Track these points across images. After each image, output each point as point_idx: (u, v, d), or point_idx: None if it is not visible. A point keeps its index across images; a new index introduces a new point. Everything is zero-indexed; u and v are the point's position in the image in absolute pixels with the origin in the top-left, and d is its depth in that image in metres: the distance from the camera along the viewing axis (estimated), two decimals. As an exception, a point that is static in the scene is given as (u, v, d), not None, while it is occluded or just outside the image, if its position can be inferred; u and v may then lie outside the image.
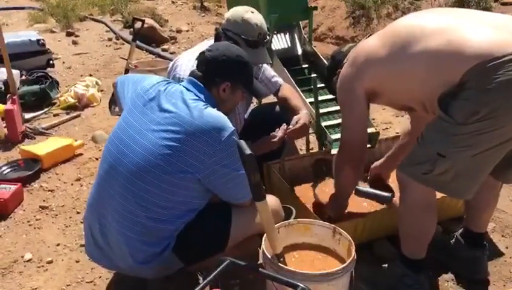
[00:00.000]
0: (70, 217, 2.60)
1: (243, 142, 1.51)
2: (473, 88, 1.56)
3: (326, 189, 2.43)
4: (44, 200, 2.76)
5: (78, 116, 3.96)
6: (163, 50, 5.95)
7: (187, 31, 6.95)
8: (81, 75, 4.95)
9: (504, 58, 1.52)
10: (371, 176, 2.48)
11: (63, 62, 5.44)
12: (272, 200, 1.86)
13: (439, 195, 1.88)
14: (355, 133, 1.99)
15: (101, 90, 4.43)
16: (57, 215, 2.64)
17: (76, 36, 6.60)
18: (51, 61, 5.08)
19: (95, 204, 1.83)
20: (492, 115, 1.55)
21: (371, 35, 2.00)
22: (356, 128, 1.98)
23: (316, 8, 3.41)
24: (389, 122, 3.70)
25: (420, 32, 1.71)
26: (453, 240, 2.14)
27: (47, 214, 2.64)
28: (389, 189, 2.38)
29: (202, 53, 1.85)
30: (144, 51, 5.80)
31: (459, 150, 1.62)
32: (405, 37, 1.75)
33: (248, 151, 1.45)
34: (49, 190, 2.87)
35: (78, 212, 2.63)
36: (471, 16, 1.78)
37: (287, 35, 3.41)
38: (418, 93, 1.78)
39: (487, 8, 6.03)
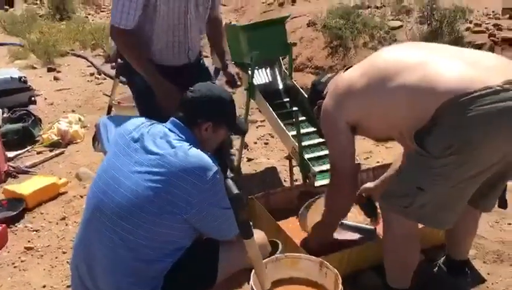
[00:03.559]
0: (56, 258, 2.59)
1: (229, 181, 1.56)
2: (446, 122, 1.63)
3: (312, 221, 2.47)
4: (29, 241, 2.74)
5: (62, 153, 3.96)
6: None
7: (169, 64, 7.03)
8: (64, 112, 4.96)
9: (475, 93, 1.59)
10: (359, 196, 2.51)
11: (45, 98, 5.45)
12: (258, 235, 1.88)
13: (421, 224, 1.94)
14: (343, 162, 2.02)
15: (84, 127, 4.44)
16: (42, 255, 2.62)
17: (58, 72, 6.63)
18: (33, 98, 5.08)
19: (81, 246, 1.83)
20: (465, 148, 1.62)
21: (350, 67, 2.07)
22: (344, 157, 2.01)
23: (295, 44, 3.51)
24: (369, 151, 3.78)
25: (397, 66, 1.78)
26: (436, 268, 2.19)
27: (32, 255, 2.62)
28: (376, 210, 2.41)
29: (184, 94, 1.90)
30: (127, 86, 5.84)
31: (437, 182, 1.69)
32: (382, 71, 1.81)
33: (235, 190, 1.49)
34: (34, 230, 2.85)
35: (64, 252, 2.62)
36: (446, 51, 1.87)
37: (268, 70, 3.50)
38: (396, 125, 1.84)
39: (459, 37, 6.25)
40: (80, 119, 4.49)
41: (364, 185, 2.46)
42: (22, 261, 2.56)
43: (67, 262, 2.43)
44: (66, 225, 2.91)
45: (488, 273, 2.32)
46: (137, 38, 2.42)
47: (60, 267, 2.50)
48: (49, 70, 6.70)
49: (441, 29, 6.46)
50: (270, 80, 3.48)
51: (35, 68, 6.90)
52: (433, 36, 6.36)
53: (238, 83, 2.91)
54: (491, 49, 5.96)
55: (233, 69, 2.85)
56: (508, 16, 6.97)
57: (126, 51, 2.46)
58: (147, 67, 2.41)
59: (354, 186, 2.08)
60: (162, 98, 2.38)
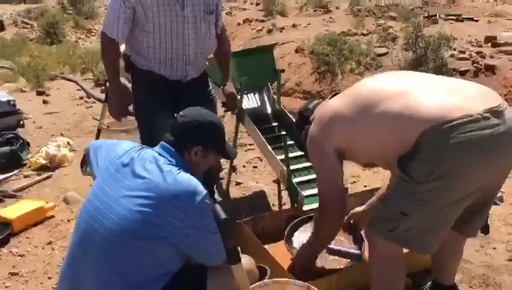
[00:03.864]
0: (41, 283, 2.55)
1: (218, 206, 1.57)
2: (427, 149, 1.67)
3: (298, 244, 2.48)
4: (14, 266, 2.70)
5: (50, 177, 3.94)
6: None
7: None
8: (53, 135, 4.95)
9: (456, 121, 1.64)
10: (347, 221, 2.52)
11: (34, 122, 5.43)
12: (246, 260, 1.89)
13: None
14: (331, 186, 2.04)
15: (73, 150, 4.43)
16: (27, 281, 2.58)
17: (47, 95, 6.63)
18: (21, 122, 5.07)
19: (69, 271, 1.82)
20: (447, 174, 1.66)
21: (336, 93, 2.12)
22: (331, 181, 2.03)
23: (283, 70, 3.58)
24: (357, 175, 3.82)
25: (379, 94, 1.83)
26: (423, 292, 2.21)
27: (17, 280, 2.58)
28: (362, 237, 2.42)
29: (174, 118, 1.92)
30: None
31: (420, 207, 1.72)
32: (366, 99, 1.86)
33: (223, 215, 1.50)
34: (19, 255, 2.82)
35: (49, 278, 2.58)
36: (428, 80, 1.92)
37: (257, 95, 3.56)
38: (380, 152, 1.88)
39: (444, 64, 6.40)
40: (68, 143, 4.48)
41: (353, 211, 2.49)
42: (6, 287, 2.52)
43: (53, 288, 2.40)
44: (53, 249, 2.88)
45: (474, 298, 2.34)
46: (118, 48, 2.59)
47: (47, 292, 2.47)
48: (38, 93, 6.70)
49: (426, 56, 6.61)
50: (259, 104, 3.53)
51: (24, 91, 6.90)
52: (418, 63, 6.51)
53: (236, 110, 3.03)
54: (475, 76, 6.11)
55: (235, 98, 2.93)
56: (490, 44, 7.17)
57: (104, 55, 2.65)
58: (111, 82, 2.66)
59: (343, 211, 2.10)
60: (110, 109, 2.75)
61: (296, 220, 2.52)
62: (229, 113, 3.37)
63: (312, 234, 2.23)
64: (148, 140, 2.76)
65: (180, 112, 1.95)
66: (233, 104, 2.98)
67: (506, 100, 1.86)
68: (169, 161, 1.79)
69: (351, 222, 2.46)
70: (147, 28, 2.48)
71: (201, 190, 1.72)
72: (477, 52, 6.74)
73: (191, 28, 2.50)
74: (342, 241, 2.45)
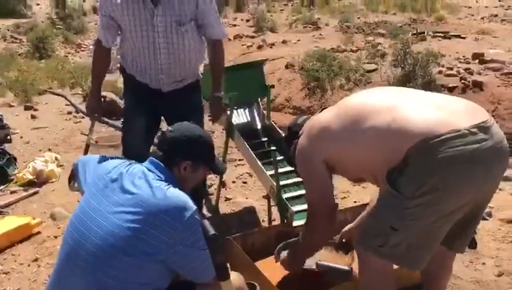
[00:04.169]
0: (27, 301, 2.51)
1: (206, 222, 1.56)
2: (416, 164, 1.68)
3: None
4: (-2, 284, 2.66)
5: (37, 192, 3.89)
6: (124, 123, 6.00)
7: (148, 103, 7.06)
8: (40, 150, 4.90)
9: (444, 136, 1.65)
10: (340, 240, 2.52)
11: (21, 137, 5.38)
12: (235, 277, 1.87)
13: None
14: (320, 200, 2.04)
15: (61, 166, 4.38)
16: (13, 299, 2.53)
17: (35, 110, 6.57)
18: (9, 137, 5.02)
19: (55, 289, 1.79)
20: (435, 189, 1.66)
21: (325, 108, 2.12)
22: (320, 195, 2.03)
23: (273, 86, 3.59)
24: (347, 191, 3.81)
25: (368, 109, 1.84)
26: (413, 309, 2.19)
27: (1, 298, 2.54)
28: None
29: (163, 133, 1.92)
30: (104, 125, 5.82)
31: (409, 222, 1.72)
32: (354, 114, 1.87)
33: (212, 231, 1.49)
34: (4, 273, 2.77)
35: (35, 296, 2.54)
36: (416, 95, 1.94)
37: (247, 111, 3.56)
38: (368, 167, 1.88)
39: (432, 80, 6.47)
40: (56, 158, 4.44)
41: (344, 229, 2.48)
42: (-10, 305, 2.47)
43: (38, 306, 2.36)
44: (39, 266, 2.83)
45: (464, 314, 2.33)
46: (107, 54, 2.72)
47: (30, 311, 2.41)
48: (26, 108, 6.64)
49: (414, 72, 6.69)
50: (249, 119, 3.53)
51: (12, 106, 6.84)
52: (406, 79, 6.58)
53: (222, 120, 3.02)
54: (463, 92, 6.18)
55: (219, 104, 2.85)
56: (477, 60, 7.27)
57: (92, 59, 2.82)
58: (92, 81, 2.82)
59: (331, 224, 2.09)
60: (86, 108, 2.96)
61: (289, 241, 2.51)
62: (221, 128, 3.36)
63: (298, 244, 2.22)
64: (124, 143, 2.80)
65: (169, 127, 1.95)
66: (216, 110, 2.86)
67: (493, 116, 1.88)
68: (159, 176, 1.78)
69: (344, 240, 2.46)
70: (124, 35, 2.59)
71: (191, 205, 1.71)
72: (465, 69, 6.83)
73: (162, 38, 2.51)
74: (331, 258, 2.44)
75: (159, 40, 2.51)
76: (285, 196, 2.84)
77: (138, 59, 2.60)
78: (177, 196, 1.73)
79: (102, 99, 4.25)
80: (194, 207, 1.72)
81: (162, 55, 2.54)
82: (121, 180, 1.77)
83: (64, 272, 1.74)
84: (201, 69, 2.95)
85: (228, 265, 1.64)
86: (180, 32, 2.52)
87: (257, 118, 3.54)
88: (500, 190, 3.45)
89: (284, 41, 11.18)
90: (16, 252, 2.98)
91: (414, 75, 6.66)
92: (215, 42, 2.73)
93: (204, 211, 3.47)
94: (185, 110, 2.60)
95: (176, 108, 2.61)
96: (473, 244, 2.03)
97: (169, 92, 2.67)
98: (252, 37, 12.88)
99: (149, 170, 1.81)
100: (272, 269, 2.44)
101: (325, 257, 2.40)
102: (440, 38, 10.30)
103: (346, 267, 2.31)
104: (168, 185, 1.75)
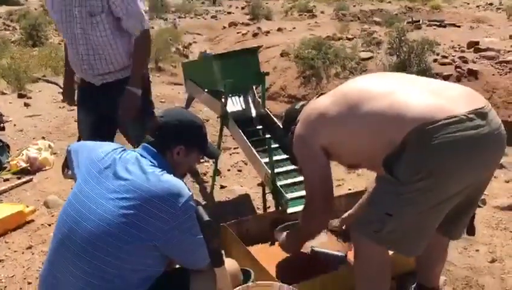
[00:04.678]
0: (20, 289, 2.49)
1: (201, 209, 1.55)
2: (412, 150, 1.68)
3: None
4: (-8, 272, 2.65)
5: (30, 180, 3.86)
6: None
7: (142, 91, 7.01)
8: (34, 138, 4.86)
9: (441, 122, 1.65)
10: (339, 228, 2.52)
11: (15, 125, 5.33)
12: (230, 263, 1.87)
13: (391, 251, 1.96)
14: (317, 185, 2.04)
15: (54, 153, 4.36)
16: (6, 287, 2.52)
17: (29, 98, 6.52)
18: (2, 125, 4.98)
19: (49, 276, 1.77)
20: (432, 174, 1.66)
21: (322, 94, 2.11)
22: (318, 180, 2.04)
23: (268, 73, 3.57)
24: (341, 178, 3.82)
25: (366, 95, 1.83)
26: (407, 295, 2.21)
27: (-5, 286, 2.53)
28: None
29: (155, 118, 1.90)
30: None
31: (405, 208, 1.72)
32: (353, 99, 1.86)
33: (206, 217, 1.49)
34: (-3, 260, 2.76)
35: (29, 283, 2.53)
36: (413, 81, 1.93)
37: (241, 98, 3.53)
38: (366, 153, 1.88)
39: (427, 69, 6.47)
40: (49, 146, 4.41)
41: (343, 216, 2.50)
42: (-16, 293, 2.47)
43: (32, 293, 2.35)
44: (32, 254, 2.82)
45: (458, 300, 2.35)
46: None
47: (24, 299, 2.41)
48: (20, 96, 6.58)
49: (410, 61, 6.68)
50: (244, 107, 3.51)
51: (5, 94, 6.78)
52: (401, 67, 6.57)
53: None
54: (458, 80, 6.18)
55: (130, 99, 2.57)
56: (472, 49, 7.26)
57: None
58: (65, 61, 2.83)
59: (329, 209, 2.09)
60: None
61: (290, 223, 2.51)
62: (216, 116, 3.33)
63: (297, 229, 2.22)
64: (79, 140, 2.85)
65: (159, 112, 1.93)
66: (125, 105, 2.54)
67: (488, 104, 1.87)
68: (152, 162, 1.77)
69: (343, 227, 2.46)
70: (58, 28, 2.66)
71: (186, 191, 1.71)
72: (460, 57, 6.82)
73: (79, 28, 2.51)
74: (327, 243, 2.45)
75: (77, 31, 2.51)
76: (279, 183, 2.83)
77: (69, 51, 2.66)
78: (171, 181, 1.72)
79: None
80: (189, 193, 1.72)
81: (80, 46, 2.55)
82: (114, 167, 1.76)
83: (58, 259, 1.74)
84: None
85: (223, 252, 1.63)
86: (93, 23, 2.48)
87: (252, 106, 3.52)
88: (495, 177, 3.47)
89: (279, 29, 11.13)
90: (10, 240, 2.97)
91: (409, 63, 6.65)
92: (138, 37, 2.57)
93: (199, 198, 3.47)
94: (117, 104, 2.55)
95: (111, 104, 2.55)
96: (471, 231, 2.03)
97: (103, 86, 2.63)
98: (247, 24, 12.82)
99: (142, 155, 1.79)
100: (267, 255, 2.45)
101: (324, 243, 2.41)
102: (435, 27, 10.29)
103: (340, 253, 2.32)
104: (162, 170, 1.74)
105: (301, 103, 2.25)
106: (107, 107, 2.62)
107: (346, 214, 2.50)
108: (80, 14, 2.46)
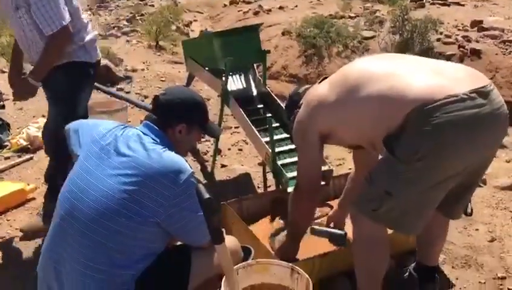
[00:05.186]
0: (21, 266, 2.51)
1: (201, 186, 1.55)
2: (412, 130, 1.67)
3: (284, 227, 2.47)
4: (-7, 249, 2.67)
5: (31, 158, 3.87)
6: (119, 89, 5.94)
7: (142, 70, 6.96)
8: (34, 116, 4.85)
9: (441, 101, 1.63)
10: (327, 225, 2.52)
11: (14, 103, 5.30)
12: (230, 240, 1.88)
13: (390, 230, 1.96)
14: (309, 171, 2.10)
15: (55, 132, 4.35)
16: (6, 264, 2.54)
17: (28, 76, 6.48)
18: (2, 103, 4.96)
19: (50, 252, 1.79)
20: (431, 154, 1.66)
21: (325, 78, 2.10)
22: (310, 167, 2.09)
23: (269, 51, 3.53)
24: (342, 158, 3.82)
25: (366, 77, 1.82)
26: (407, 274, 2.22)
27: (-4, 263, 2.55)
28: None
29: (156, 97, 1.89)
30: (99, 91, 5.75)
31: (404, 187, 1.72)
32: (353, 81, 1.85)
33: (207, 195, 1.48)
34: (-1, 238, 2.77)
35: (30, 260, 2.54)
36: (414, 62, 1.91)
37: (242, 77, 3.51)
38: (367, 134, 1.88)
39: (430, 48, 6.40)
40: (50, 124, 4.39)
41: (329, 215, 2.54)
42: (-14, 270, 2.48)
43: (34, 270, 2.36)
44: (34, 231, 2.83)
45: (457, 278, 2.37)
46: None
47: (25, 277, 2.42)
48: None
49: (412, 40, 6.60)
50: (245, 86, 3.48)
51: (4, 72, 6.73)
52: (404, 46, 6.50)
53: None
54: (461, 60, 6.12)
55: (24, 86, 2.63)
56: (476, 28, 7.17)
57: None
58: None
59: (317, 193, 2.17)
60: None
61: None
62: (217, 94, 3.31)
63: (289, 213, 2.23)
64: None
65: (161, 91, 1.93)
66: (18, 89, 2.72)
67: (491, 84, 1.85)
68: (154, 139, 1.78)
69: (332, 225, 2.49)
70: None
71: (187, 168, 1.71)
72: (463, 37, 6.73)
73: (14, 18, 2.54)
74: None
75: (12, 21, 2.58)
76: (280, 162, 2.83)
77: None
78: (173, 158, 1.73)
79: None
80: (190, 170, 1.72)
81: (17, 36, 2.64)
82: (115, 143, 1.76)
83: (60, 235, 1.75)
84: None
85: (223, 229, 1.64)
86: (17, 16, 2.50)
87: (253, 85, 3.49)
88: (496, 157, 3.46)
89: (281, 7, 10.97)
90: (11, 218, 2.98)
91: (412, 42, 6.58)
92: (48, 38, 2.49)
93: (200, 177, 3.47)
94: (51, 93, 2.75)
95: (48, 90, 2.75)
96: (469, 212, 2.03)
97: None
98: (249, 2, 12.63)
99: (144, 133, 1.80)
100: (266, 233, 2.46)
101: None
102: (439, 6, 10.13)
103: (341, 231, 2.32)
104: (164, 148, 1.75)
105: (305, 86, 2.25)
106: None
107: (331, 213, 2.54)
108: (12, 6, 2.51)
